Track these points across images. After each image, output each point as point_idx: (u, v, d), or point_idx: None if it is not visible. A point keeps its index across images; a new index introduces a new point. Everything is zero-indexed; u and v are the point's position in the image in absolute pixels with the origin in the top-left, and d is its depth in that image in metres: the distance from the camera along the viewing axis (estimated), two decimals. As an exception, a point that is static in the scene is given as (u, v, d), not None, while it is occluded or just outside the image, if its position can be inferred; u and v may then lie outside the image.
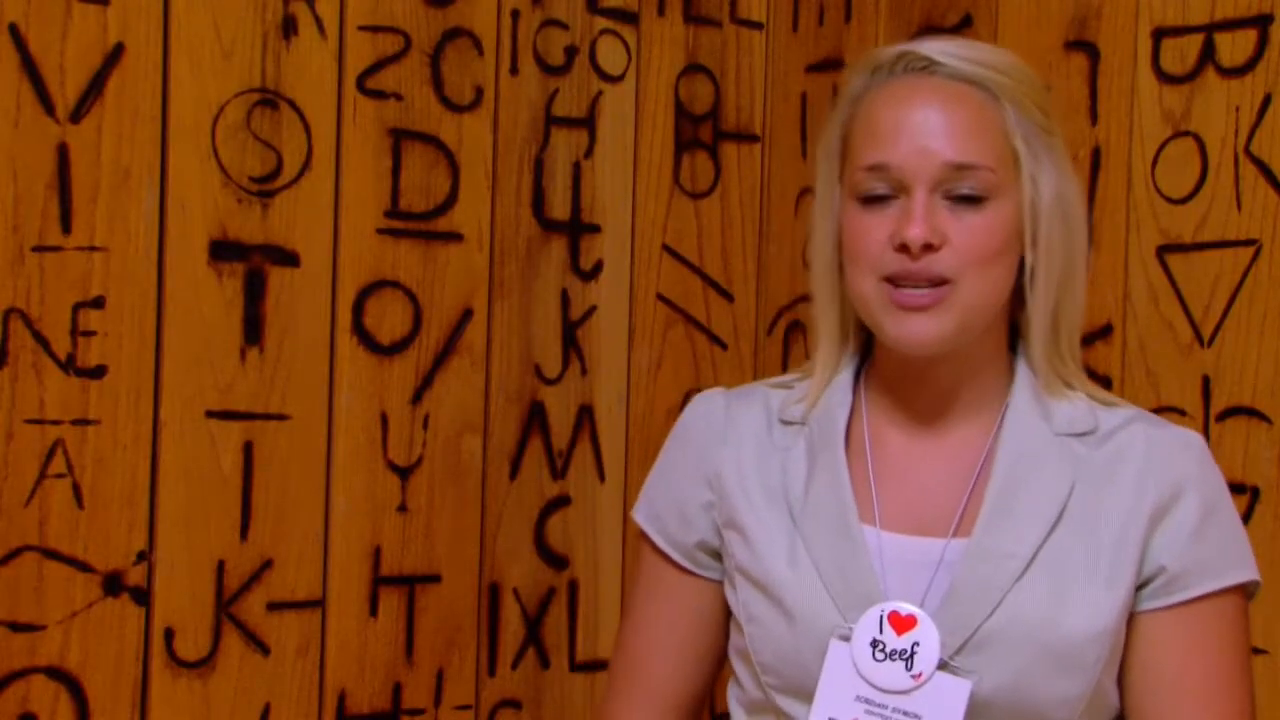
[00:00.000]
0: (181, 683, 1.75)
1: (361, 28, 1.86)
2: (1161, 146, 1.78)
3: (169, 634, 1.74)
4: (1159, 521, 1.31)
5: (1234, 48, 1.71)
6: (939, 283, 1.29)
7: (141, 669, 1.72)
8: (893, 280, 1.30)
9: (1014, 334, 1.40)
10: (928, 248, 1.28)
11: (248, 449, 1.79)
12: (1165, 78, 1.78)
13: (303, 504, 1.83)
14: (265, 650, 1.80)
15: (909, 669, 1.27)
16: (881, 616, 1.28)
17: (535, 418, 2.01)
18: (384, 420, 1.88)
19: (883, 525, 1.34)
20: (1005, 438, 1.34)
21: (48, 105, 1.66)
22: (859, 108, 1.36)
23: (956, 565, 1.30)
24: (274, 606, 1.81)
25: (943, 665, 1.27)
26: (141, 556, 1.72)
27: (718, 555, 1.43)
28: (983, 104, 1.33)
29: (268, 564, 1.80)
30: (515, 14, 1.98)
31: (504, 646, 1.98)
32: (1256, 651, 1.67)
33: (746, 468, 1.40)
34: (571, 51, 2.03)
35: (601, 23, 2.06)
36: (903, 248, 1.29)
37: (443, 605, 1.93)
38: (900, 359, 1.36)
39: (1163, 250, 1.78)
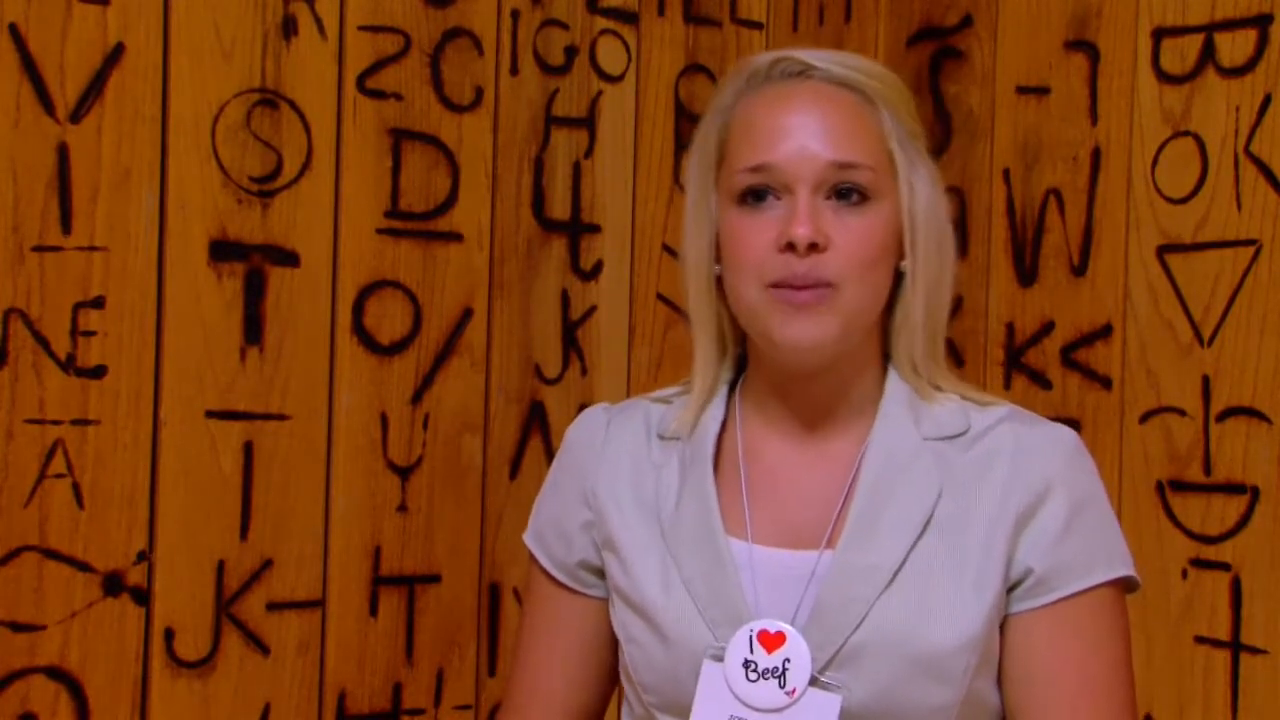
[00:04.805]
0: (181, 683, 1.75)
1: (361, 28, 1.86)
2: (1161, 146, 1.78)
3: (169, 634, 1.74)
4: (1026, 523, 1.30)
5: (1234, 48, 1.71)
6: (823, 286, 1.28)
7: (141, 669, 1.72)
8: (777, 286, 1.29)
9: (883, 340, 1.39)
10: (813, 248, 1.27)
11: (248, 449, 1.79)
12: (1165, 78, 1.78)
13: (303, 504, 1.83)
14: (265, 650, 1.80)
15: (782, 686, 1.26)
16: (751, 635, 1.28)
17: (535, 418, 2.01)
18: (384, 420, 1.88)
19: (755, 539, 1.32)
20: (872, 447, 1.33)
21: (48, 105, 1.66)
22: (735, 114, 1.35)
23: (823, 578, 1.29)
24: (274, 606, 1.81)
25: (813, 681, 1.26)
26: (141, 556, 1.72)
27: (602, 574, 1.41)
28: (859, 107, 1.33)
29: (268, 564, 1.80)
30: (515, 14, 1.98)
31: (504, 646, 1.98)
32: (1256, 651, 1.67)
33: (622, 486, 1.38)
34: (571, 51, 2.03)
35: (601, 23, 2.06)
36: (788, 247, 1.27)
37: (443, 605, 1.93)
38: (779, 369, 1.35)
39: (1163, 250, 1.78)
